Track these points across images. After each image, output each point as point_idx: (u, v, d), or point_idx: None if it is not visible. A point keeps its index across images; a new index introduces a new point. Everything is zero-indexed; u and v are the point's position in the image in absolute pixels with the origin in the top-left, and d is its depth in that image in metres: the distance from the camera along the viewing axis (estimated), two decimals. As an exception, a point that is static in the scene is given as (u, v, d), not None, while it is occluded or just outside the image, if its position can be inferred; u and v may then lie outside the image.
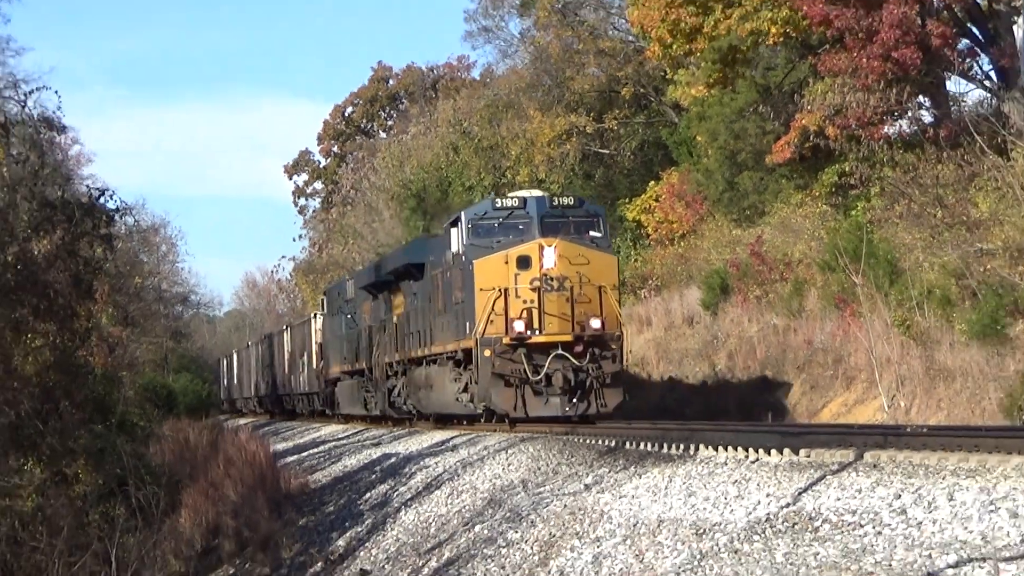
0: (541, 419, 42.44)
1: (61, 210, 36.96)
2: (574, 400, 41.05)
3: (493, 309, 41.35)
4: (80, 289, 37.00)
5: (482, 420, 45.94)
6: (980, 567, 15.06)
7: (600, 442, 34.85)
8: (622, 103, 72.59)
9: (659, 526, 22.63)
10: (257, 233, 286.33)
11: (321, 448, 66.14)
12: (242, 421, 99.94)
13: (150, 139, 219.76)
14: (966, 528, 17.10)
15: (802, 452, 25.01)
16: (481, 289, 41.91)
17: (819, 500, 20.88)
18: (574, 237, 42.45)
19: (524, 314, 41.16)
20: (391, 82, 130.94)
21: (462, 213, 45.26)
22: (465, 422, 51.14)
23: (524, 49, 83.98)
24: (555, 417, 41.98)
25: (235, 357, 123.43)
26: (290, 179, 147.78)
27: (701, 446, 29.00)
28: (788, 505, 21.16)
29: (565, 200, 44.97)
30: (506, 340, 41.36)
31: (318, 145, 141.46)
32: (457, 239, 44.56)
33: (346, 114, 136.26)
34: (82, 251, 37.08)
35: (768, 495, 22.18)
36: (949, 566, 15.47)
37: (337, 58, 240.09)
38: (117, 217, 41.28)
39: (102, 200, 39.82)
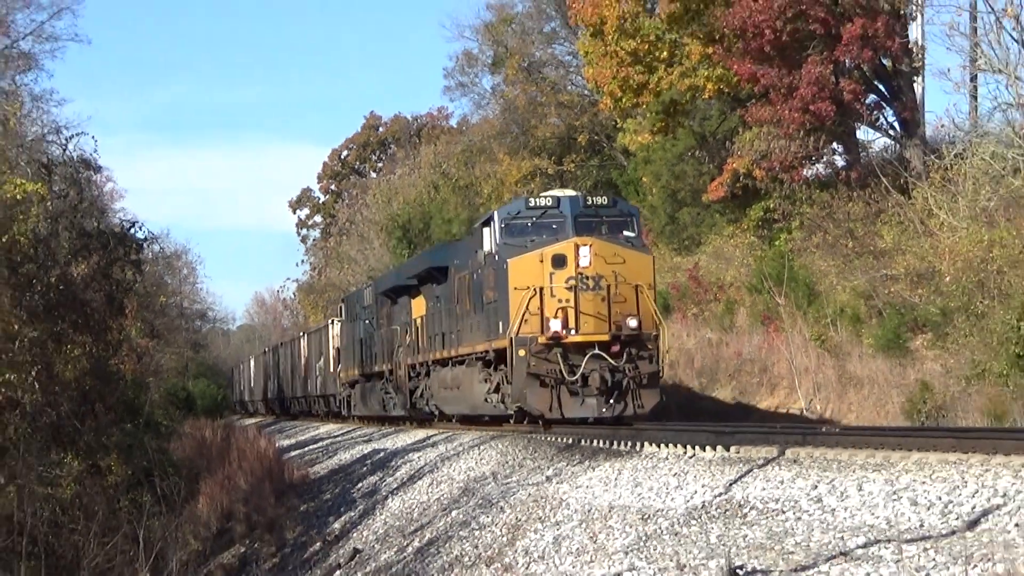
0: (576, 421, 36.91)
1: (97, 239, 37.05)
2: (611, 401, 35.54)
3: (527, 308, 35.93)
4: (113, 306, 37.09)
5: (511, 421, 40.31)
6: (885, 548, 15.10)
7: (559, 440, 34.80)
8: (579, 148, 72.57)
9: (610, 512, 22.64)
10: (265, 259, 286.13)
11: (319, 444, 65.98)
12: (251, 421, 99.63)
13: (174, 178, 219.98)
14: (873, 514, 17.14)
15: (732, 449, 25.06)
16: (515, 288, 36.37)
17: (747, 490, 20.92)
18: (609, 236, 37.18)
19: (559, 313, 35.81)
20: (381, 129, 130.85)
21: (495, 212, 39.66)
22: (486, 419, 44.60)
23: (495, 101, 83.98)
24: (591, 419, 36.51)
25: (247, 365, 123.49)
26: (294, 213, 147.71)
27: (646, 443, 29.02)
28: (721, 494, 21.20)
29: (599, 199, 38.74)
30: (542, 340, 35.84)
31: (318, 183, 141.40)
32: (490, 238, 38.85)
33: (342, 157, 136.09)
34: (115, 274, 37.23)
35: (704, 486, 22.22)
36: (859, 547, 15.51)
37: (334, 108, 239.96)
38: (145, 245, 41.45)
39: (132, 230, 40.01)
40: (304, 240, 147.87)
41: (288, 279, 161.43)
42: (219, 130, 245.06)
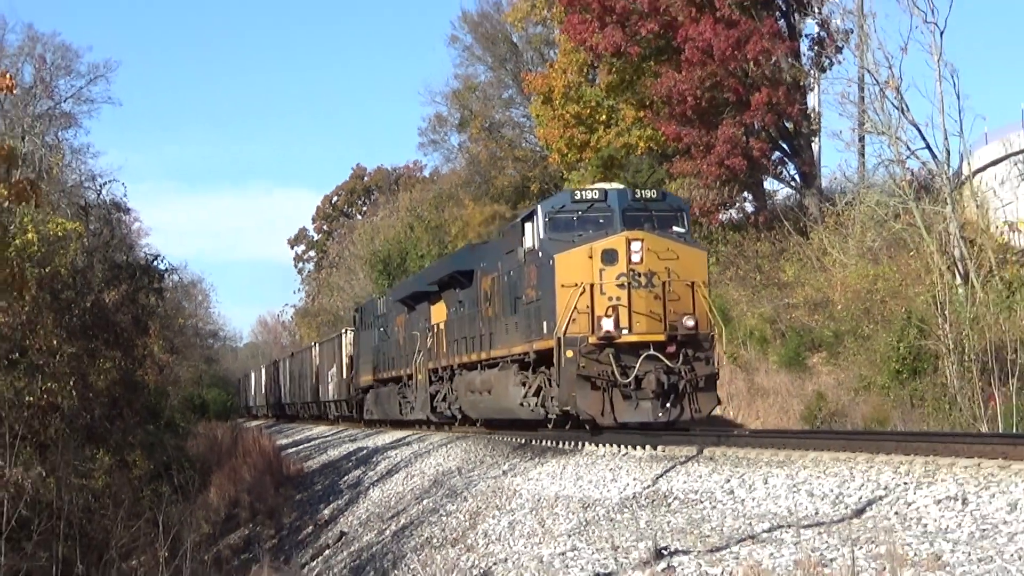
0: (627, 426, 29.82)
1: (125, 270, 37.35)
2: (667, 405, 28.72)
3: (576, 307, 29.15)
4: (138, 327, 37.26)
5: (550, 426, 32.87)
6: (787, 532, 15.11)
7: (514, 440, 34.81)
8: (532, 195, 72.44)
9: (556, 501, 22.63)
10: (267, 287, 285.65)
11: (312, 443, 65.86)
12: (255, 423, 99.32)
13: (191, 219, 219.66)
14: (776, 504, 17.18)
15: (659, 448, 25.21)
16: (563, 285, 29.58)
17: (671, 483, 20.94)
18: (659, 231, 30.64)
19: (610, 312, 29.01)
20: (365, 178, 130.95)
21: (538, 206, 32.47)
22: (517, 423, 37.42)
23: (461, 156, 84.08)
24: (646, 424, 29.60)
25: (252, 377, 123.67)
26: (292, 248, 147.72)
27: (586, 443, 29.07)
28: (649, 486, 21.21)
29: (648, 193, 31.97)
30: (592, 340, 28.85)
31: (312, 224, 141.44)
32: (532, 234, 32.04)
33: (333, 201, 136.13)
34: (140, 299, 37.49)
35: (634, 479, 22.22)
36: (764, 531, 15.52)
37: (327, 160, 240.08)
38: (166, 275, 42.19)
39: (155, 263, 40.61)
40: (300, 271, 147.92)
41: (286, 304, 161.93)
42: (229, 178, 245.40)
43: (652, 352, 28.58)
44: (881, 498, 15.51)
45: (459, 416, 41.66)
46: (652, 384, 28.26)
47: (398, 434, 50.56)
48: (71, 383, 29.47)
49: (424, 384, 44.89)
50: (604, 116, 56.34)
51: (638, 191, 31.82)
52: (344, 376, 66.66)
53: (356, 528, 31.75)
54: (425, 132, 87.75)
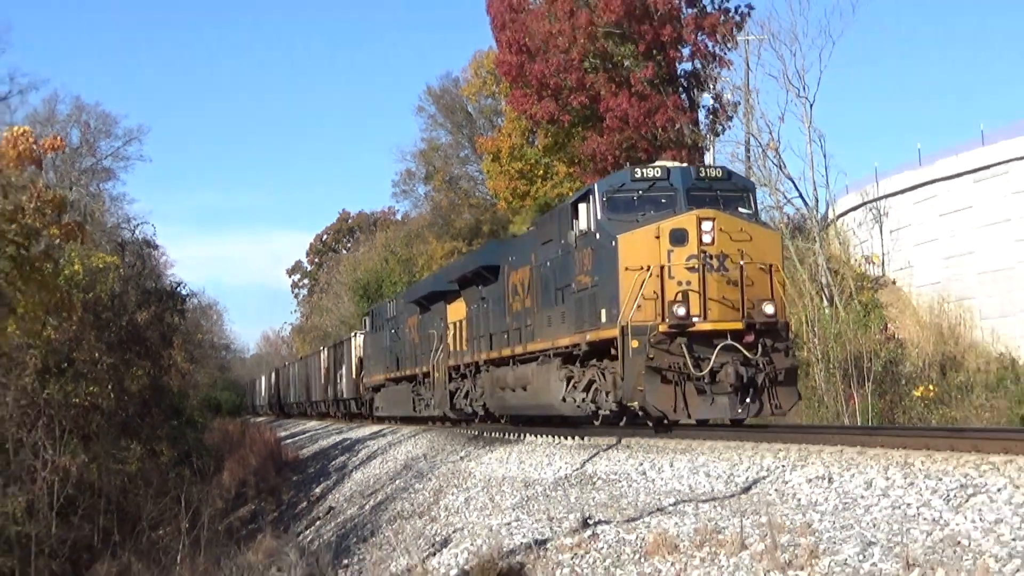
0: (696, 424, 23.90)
1: (154, 295, 37.36)
2: (746, 400, 22.17)
3: (642, 292, 22.19)
4: (164, 341, 37.28)
5: (597, 423, 25.81)
6: (688, 506, 15.10)
7: (469, 432, 34.76)
8: (484, 235, 72.34)
9: (503, 481, 22.57)
10: (269, 308, 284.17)
11: (307, 435, 65.66)
12: (260, 419, 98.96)
13: (208, 252, 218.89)
14: (680, 483, 17.17)
15: (587, 438, 25.00)
16: (627, 268, 22.53)
17: (596, 466, 20.90)
18: (729, 212, 23.56)
19: (679, 297, 22.17)
20: (349, 220, 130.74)
21: (594, 185, 24.89)
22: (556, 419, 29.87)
23: (426, 203, 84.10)
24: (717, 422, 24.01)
25: (258, 381, 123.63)
26: (289, 277, 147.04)
27: (528, 435, 28.98)
28: (578, 469, 21.16)
29: (712, 172, 24.61)
30: (663, 328, 22.02)
31: (306, 257, 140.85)
32: (586, 215, 24.58)
33: (323, 239, 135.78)
34: (166, 319, 37.41)
35: (566, 463, 22.17)
36: (670, 505, 15.51)
37: (319, 205, 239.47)
38: (187, 299, 41.91)
39: (178, 289, 40.38)
40: (296, 296, 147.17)
41: (285, 323, 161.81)
42: (239, 220, 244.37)
43: (730, 342, 21.98)
44: (764, 478, 15.54)
45: (481, 413, 34.81)
46: (731, 377, 21.72)
47: (376, 428, 50.44)
48: (110, 387, 29.48)
49: (443, 381, 37.78)
50: (542, 171, 56.52)
51: (702, 169, 24.58)
52: (354, 376, 59.91)
53: (342, 503, 31.65)
54: (397, 184, 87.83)
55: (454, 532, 19.28)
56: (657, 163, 25.11)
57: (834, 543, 11.55)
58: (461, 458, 28.43)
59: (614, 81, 45.16)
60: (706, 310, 22.05)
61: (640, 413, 23.06)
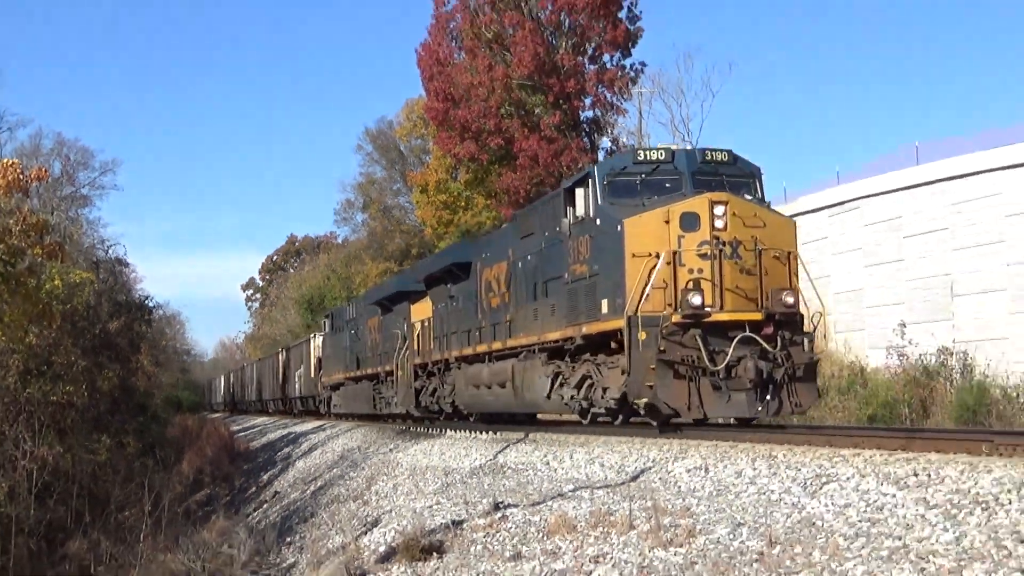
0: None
1: (124, 306, 36.90)
2: (767, 397, 18.03)
3: (650, 280, 18.08)
4: (133, 347, 36.88)
5: (585, 422, 21.70)
6: (585, 491, 15.14)
7: (396, 426, 34.67)
8: (413, 257, 72.21)
9: (427, 469, 22.54)
10: (225, 318, 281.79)
11: (256, 429, 65.12)
12: (216, 415, 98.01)
13: (173, 270, 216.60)
14: (578, 472, 17.20)
15: (499, 433, 24.98)
16: (634, 255, 18.38)
17: (506, 457, 20.91)
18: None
19: (691, 286, 18.06)
20: (297, 243, 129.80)
21: (594, 168, 20.41)
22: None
23: (364, 229, 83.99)
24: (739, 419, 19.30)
25: (215, 382, 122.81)
26: (244, 291, 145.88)
27: (448, 430, 28.95)
28: (491, 460, 21.15)
29: (719, 155, 20.00)
30: (676, 318, 17.96)
31: (259, 274, 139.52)
32: (585, 200, 20.16)
33: (273, 259, 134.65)
34: (135, 328, 37.02)
35: (481, 455, 22.17)
36: (570, 491, 15.54)
37: (271, 229, 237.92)
38: (153, 310, 41.45)
39: (146, 302, 39.93)
40: (249, 308, 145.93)
41: (239, 332, 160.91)
42: (202, 245, 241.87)
43: (748, 333, 17.96)
44: (650, 468, 15.62)
45: (449, 410, 30.74)
46: (750, 372, 17.75)
47: (317, 423, 50.13)
48: (84, 387, 29.17)
49: (408, 380, 33.55)
50: (463, 203, 56.44)
51: (708, 152, 20.12)
52: (312, 375, 55.62)
53: (286, 489, 31.47)
54: (339, 212, 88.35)
55: (383, 514, 19.22)
56: (660, 145, 20.59)
57: (709, 524, 11.64)
58: (391, 450, 28.36)
59: (526, 126, 45.35)
60: (722, 300, 18.11)
61: (643, 412, 19.33)
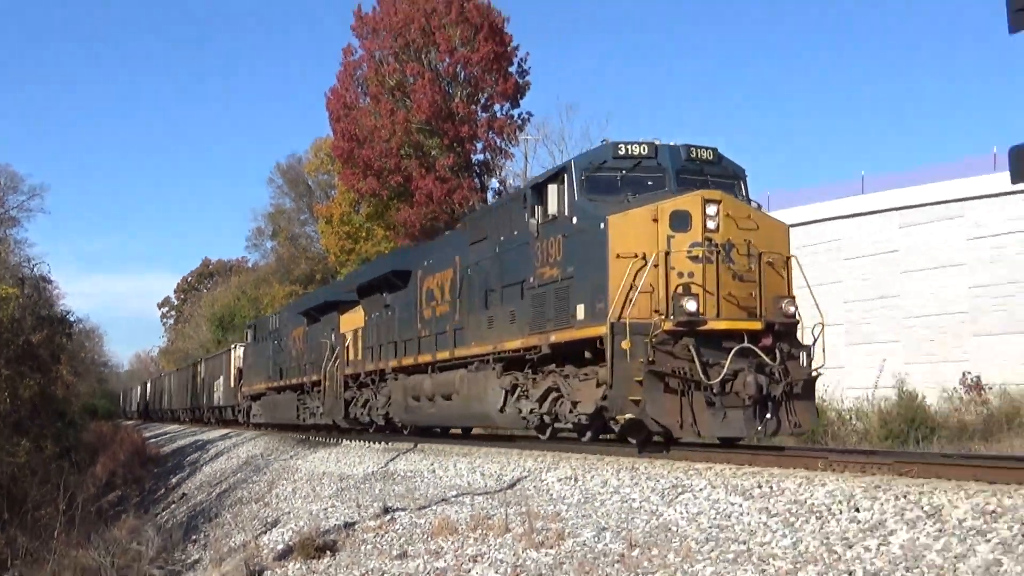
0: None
1: (47, 320, 35.89)
2: (767, 416, 14.70)
3: (634, 283, 14.51)
4: (54, 358, 35.90)
5: (544, 438, 18.53)
6: (467, 497, 15.10)
7: (297, 436, 34.28)
8: (317, 281, 71.53)
9: (323, 475, 22.33)
10: (141, 333, 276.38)
11: (167, 435, 63.82)
12: (130, 422, 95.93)
13: (94, 288, 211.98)
14: (461, 479, 17.13)
15: (391, 444, 24.89)
16: (618, 256, 14.72)
17: (397, 465, 20.79)
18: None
19: (683, 290, 14.57)
20: (210, 266, 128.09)
21: (571, 162, 16.61)
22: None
23: (272, 254, 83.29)
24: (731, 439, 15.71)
25: (130, 392, 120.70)
26: (159, 309, 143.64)
27: (345, 440, 28.70)
28: (382, 467, 21.03)
29: (704, 152, 16.56)
30: (667, 326, 14.37)
31: (174, 294, 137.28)
32: (559, 197, 16.50)
33: (188, 280, 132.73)
34: (56, 340, 36.07)
35: (373, 463, 22.02)
36: (453, 496, 15.47)
37: (187, 252, 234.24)
38: (73, 324, 40.60)
39: (67, 316, 39.07)
40: (164, 324, 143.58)
41: (154, 346, 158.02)
42: (122, 265, 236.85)
43: (746, 344, 14.69)
44: (526, 477, 15.62)
45: (381, 423, 27.06)
46: (749, 388, 14.46)
47: (223, 431, 49.36)
48: (6, 394, 28.43)
49: (337, 391, 29.85)
50: (364, 233, 56.09)
51: (693, 150, 16.60)
52: (232, 385, 50.78)
53: (193, 491, 30.90)
54: (250, 238, 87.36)
55: (283, 515, 18.98)
56: (642, 140, 16.52)
57: (576, 528, 11.66)
58: (291, 457, 28.05)
59: (423, 166, 45.44)
60: (718, 307, 14.88)
61: (620, 429, 16.46)
